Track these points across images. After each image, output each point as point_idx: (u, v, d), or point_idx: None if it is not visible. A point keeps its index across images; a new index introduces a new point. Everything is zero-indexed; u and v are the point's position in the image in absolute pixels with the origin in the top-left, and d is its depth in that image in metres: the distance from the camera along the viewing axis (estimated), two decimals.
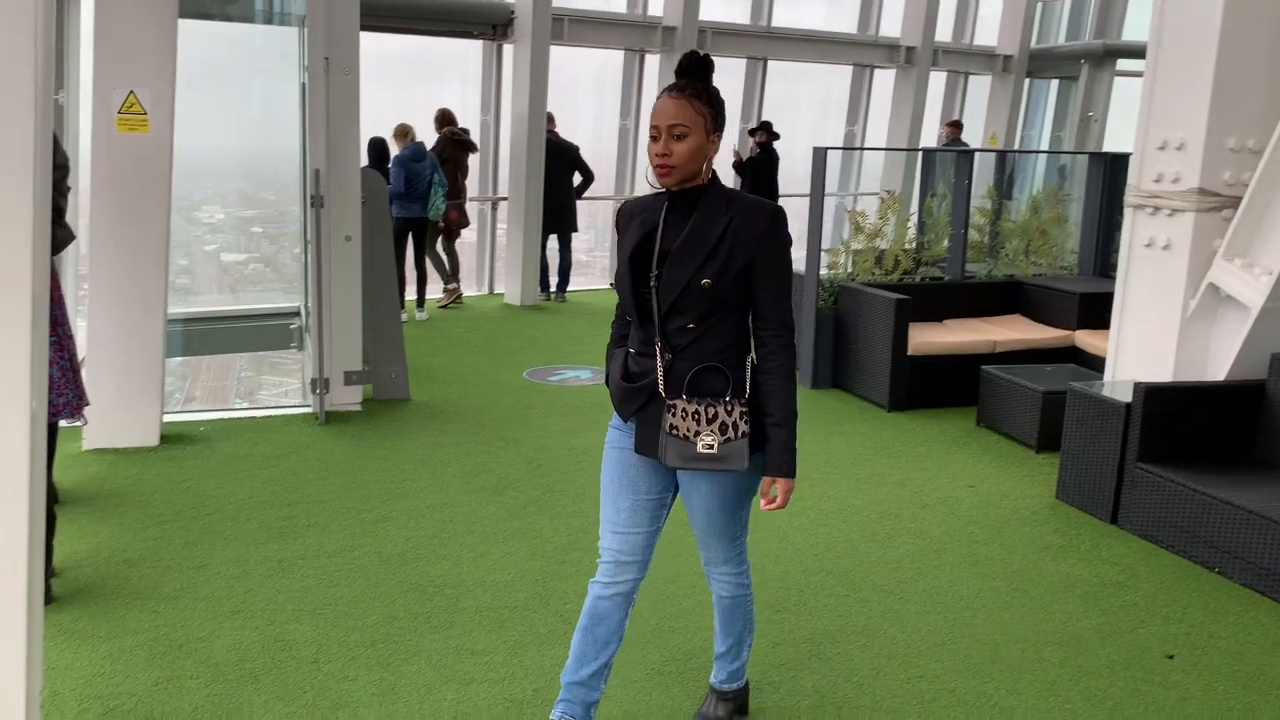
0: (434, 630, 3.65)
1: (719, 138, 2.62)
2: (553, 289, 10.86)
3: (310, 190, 6.05)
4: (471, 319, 9.75)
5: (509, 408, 6.62)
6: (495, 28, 10.54)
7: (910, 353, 6.86)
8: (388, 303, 6.72)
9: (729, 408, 2.59)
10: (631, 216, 2.74)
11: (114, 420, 5.43)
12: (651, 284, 2.62)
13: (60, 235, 3.91)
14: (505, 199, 10.87)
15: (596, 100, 12.36)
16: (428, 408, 6.57)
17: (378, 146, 9.37)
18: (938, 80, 14.97)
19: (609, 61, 11.96)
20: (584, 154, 10.53)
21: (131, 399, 5.47)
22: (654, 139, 2.57)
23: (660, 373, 2.64)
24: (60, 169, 3.85)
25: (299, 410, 6.38)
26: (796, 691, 3.35)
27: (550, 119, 10.41)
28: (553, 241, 10.77)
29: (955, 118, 14.38)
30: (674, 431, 2.61)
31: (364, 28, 6.52)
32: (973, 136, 14.92)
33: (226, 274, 8.90)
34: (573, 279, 11.00)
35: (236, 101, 7.70)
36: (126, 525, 4.49)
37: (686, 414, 2.59)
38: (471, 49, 10.95)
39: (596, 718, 2.89)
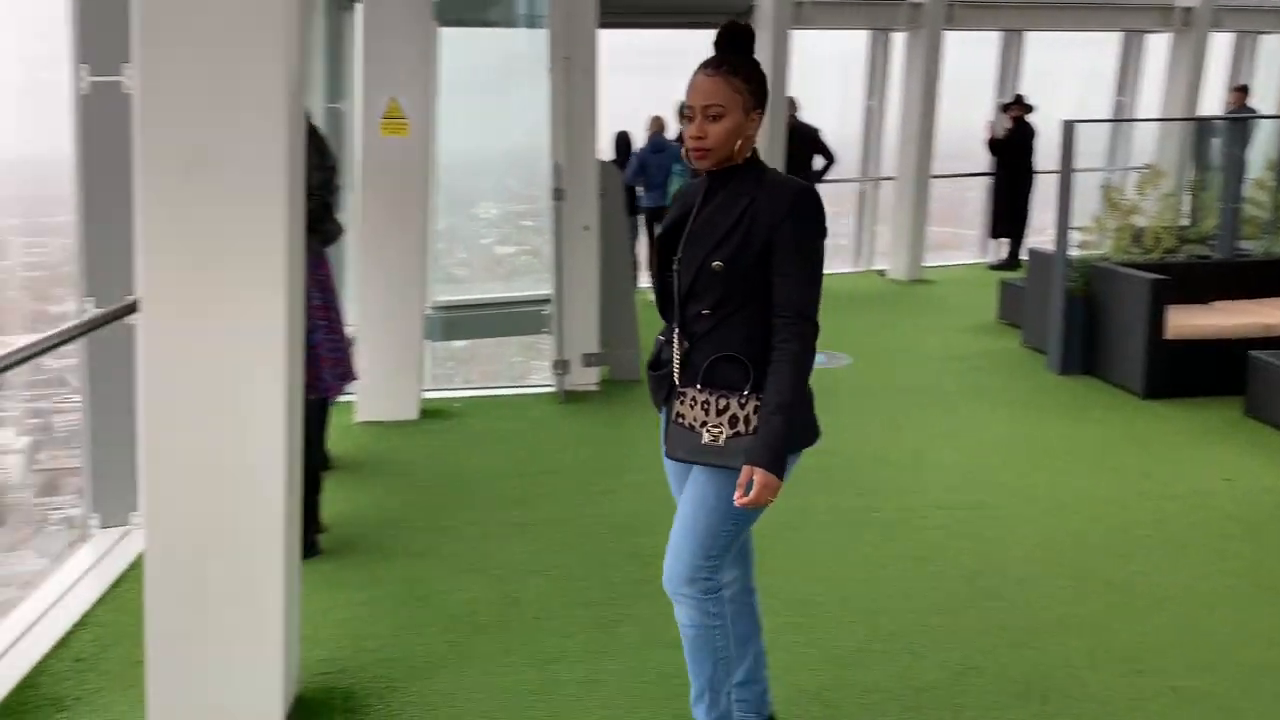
0: (647, 596, 3.84)
1: (760, 115, 2.41)
2: None
3: (552, 183, 6.43)
4: None
5: None
6: (738, 16, 10.65)
7: (1169, 337, 6.41)
8: (622, 289, 7.02)
9: (743, 401, 2.38)
10: (677, 200, 2.59)
11: (380, 396, 6.01)
12: (674, 268, 2.48)
13: (332, 229, 4.38)
14: None
15: (842, 82, 12.21)
16: None
17: (623, 139, 9.75)
18: (1223, 43, 13.68)
19: (853, 41, 11.81)
20: (829, 136, 10.46)
21: (395, 377, 6.03)
22: (689, 119, 2.39)
23: (676, 361, 2.49)
24: (329, 169, 4.31)
25: (544, 390, 6.80)
26: (1002, 678, 3.29)
27: (792, 104, 10.39)
28: None
29: (1242, 82, 13.11)
30: (679, 420, 2.46)
31: (606, 24, 6.82)
32: (1267, 103, 13.52)
33: (500, 265, 9.55)
34: None
35: (505, 102, 8.21)
36: (385, 489, 4.99)
37: (696, 403, 2.44)
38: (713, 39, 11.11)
39: (772, 700, 2.91)
